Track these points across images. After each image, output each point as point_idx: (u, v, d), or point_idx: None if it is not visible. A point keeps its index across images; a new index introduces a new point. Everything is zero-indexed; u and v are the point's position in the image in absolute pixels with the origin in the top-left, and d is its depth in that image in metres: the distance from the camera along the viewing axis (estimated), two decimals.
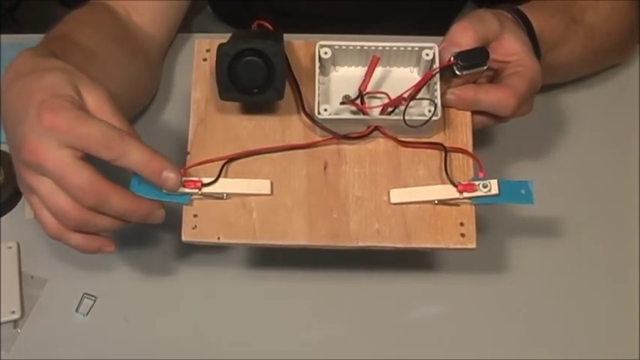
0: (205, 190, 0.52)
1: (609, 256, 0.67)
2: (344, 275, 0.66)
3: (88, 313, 0.64)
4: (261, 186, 0.53)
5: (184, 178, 0.51)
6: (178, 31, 0.76)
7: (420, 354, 0.62)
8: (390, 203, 0.52)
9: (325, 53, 0.53)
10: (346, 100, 0.53)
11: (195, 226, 0.52)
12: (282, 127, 0.55)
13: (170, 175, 0.50)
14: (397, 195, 0.53)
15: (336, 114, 0.53)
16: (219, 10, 0.92)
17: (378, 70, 0.54)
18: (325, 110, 0.52)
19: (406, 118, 0.51)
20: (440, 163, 0.53)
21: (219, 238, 0.52)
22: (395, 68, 0.55)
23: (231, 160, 0.53)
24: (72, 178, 0.48)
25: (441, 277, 0.66)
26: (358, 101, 0.52)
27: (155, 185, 0.50)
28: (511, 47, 0.54)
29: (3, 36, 0.80)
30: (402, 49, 0.53)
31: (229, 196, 0.53)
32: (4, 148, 0.74)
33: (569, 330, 0.64)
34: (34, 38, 0.79)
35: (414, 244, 0.52)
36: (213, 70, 0.52)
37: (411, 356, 0.62)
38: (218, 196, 0.52)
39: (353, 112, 0.53)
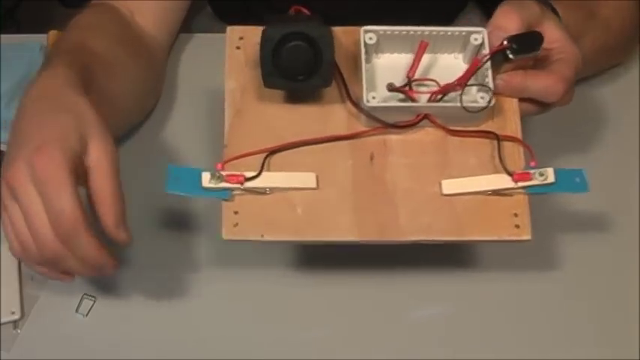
0: (248, 184, 0.50)
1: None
2: (343, 275, 0.66)
3: (87, 314, 0.64)
4: (307, 179, 0.51)
5: (225, 173, 0.49)
6: (179, 32, 0.76)
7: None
8: (442, 194, 0.50)
9: (370, 39, 0.52)
10: (395, 87, 0.51)
11: (237, 224, 0.50)
12: (323, 116, 0.53)
13: (108, 270, 0.53)
14: (449, 186, 0.51)
15: (384, 102, 0.51)
16: (219, 11, 0.92)
17: (423, 57, 0.52)
18: (373, 98, 0.50)
19: (463, 104, 0.50)
20: (490, 152, 0.52)
21: (262, 236, 0.50)
22: (439, 55, 0.54)
23: (271, 152, 0.51)
24: (35, 224, 0.49)
25: (448, 275, 0.66)
26: (406, 88, 0.51)
27: (193, 180, 0.50)
28: (552, 34, 0.53)
29: (3, 36, 0.80)
30: (449, 34, 0.52)
31: (272, 190, 0.50)
32: (4, 148, 0.73)
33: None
34: (34, 38, 0.80)
35: (466, 237, 0.50)
36: (249, 58, 0.52)
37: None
38: (260, 191, 0.50)
39: (401, 100, 0.51)
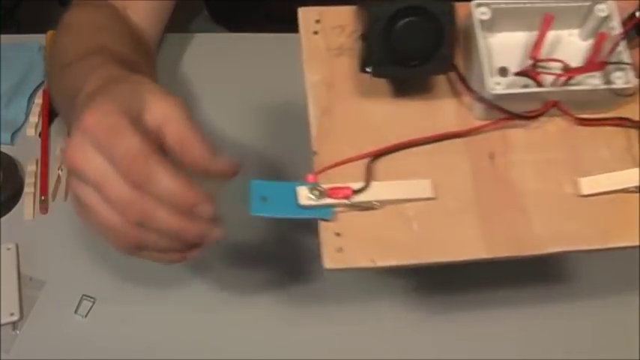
0: (355, 198, 0.41)
1: None
2: (343, 274, 0.65)
3: (87, 315, 0.64)
4: (422, 188, 0.42)
5: (326, 186, 0.41)
6: (180, 32, 0.76)
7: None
8: (578, 195, 0.43)
9: (483, 14, 0.43)
10: (525, 69, 0.43)
11: (341, 249, 0.40)
12: (430, 110, 0.45)
13: (205, 209, 0.41)
14: (589, 184, 0.43)
15: (510, 88, 0.43)
16: (216, 14, 0.92)
17: (530, 34, 0.45)
18: (498, 84, 0.42)
19: (606, 87, 0.43)
20: (624, 142, 0.44)
21: (374, 261, 0.40)
22: (552, 32, 0.45)
23: (375, 157, 0.43)
24: (110, 189, 0.41)
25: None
26: (533, 71, 0.44)
27: (286, 197, 0.41)
28: None
29: (3, 36, 0.79)
30: (570, 6, 0.44)
31: (382, 204, 0.42)
32: (4, 149, 0.73)
33: None
34: (34, 38, 0.79)
35: (613, 244, 0.42)
36: (331, 44, 0.45)
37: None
38: (367, 206, 0.42)
39: (524, 86, 0.44)
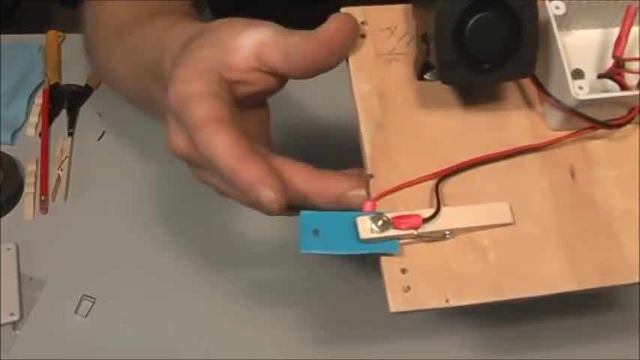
0: (426, 227, 0.35)
1: None
2: (342, 274, 0.65)
3: (87, 315, 0.64)
4: (500, 212, 0.37)
5: (391, 215, 0.35)
6: None
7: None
8: None
9: (557, 8, 0.38)
10: (610, 70, 0.38)
11: (409, 288, 0.35)
12: (498, 122, 0.39)
13: (267, 198, 0.34)
14: None
15: (595, 92, 0.37)
16: (218, 13, 0.92)
17: (606, 32, 0.39)
18: (581, 88, 0.37)
19: None
20: None
21: (448, 301, 0.35)
22: (634, 28, 0.39)
23: (441, 179, 0.37)
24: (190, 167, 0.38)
25: None
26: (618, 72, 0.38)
27: (343, 230, 0.35)
28: None
29: (3, 36, 0.79)
30: None
31: (453, 233, 0.36)
32: (4, 149, 0.73)
33: None
34: (34, 38, 0.79)
35: None
36: (379, 49, 0.39)
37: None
38: (437, 236, 0.36)
39: (604, 90, 0.39)
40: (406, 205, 0.37)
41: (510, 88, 0.40)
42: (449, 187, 0.38)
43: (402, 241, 0.35)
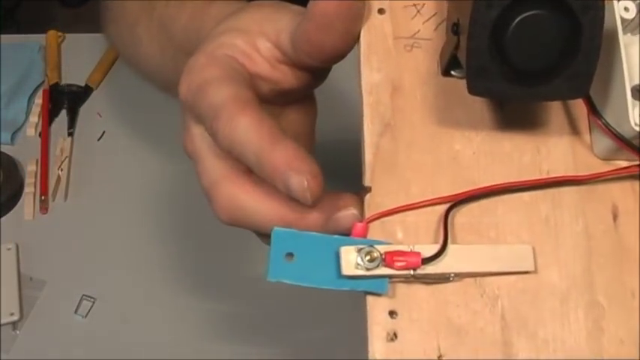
0: (426, 269, 0.29)
1: None
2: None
3: (86, 315, 0.64)
4: (520, 257, 0.30)
5: (383, 249, 0.28)
6: None
7: None
8: None
9: (626, 10, 0.30)
10: None
11: (394, 335, 0.29)
12: (534, 144, 0.32)
13: (298, 185, 0.28)
14: None
15: None
16: None
17: None
18: None
19: None
20: None
21: (440, 357, 0.29)
22: None
23: (455, 205, 0.30)
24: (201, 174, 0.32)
25: None
26: None
27: (322, 260, 0.28)
28: None
29: (3, 36, 0.79)
30: None
31: (459, 276, 0.30)
32: (4, 149, 0.73)
33: None
34: (34, 38, 0.79)
35: None
36: (399, 30, 0.32)
37: None
38: (439, 278, 0.30)
39: None
40: (406, 233, 0.30)
41: (554, 104, 0.33)
42: (463, 216, 0.30)
43: (395, 280, 0.29)
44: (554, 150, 0.32)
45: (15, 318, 0.63)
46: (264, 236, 0.31)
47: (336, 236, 0.29)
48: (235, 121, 0.28)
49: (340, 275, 0.28)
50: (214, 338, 0.64)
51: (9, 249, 0.67)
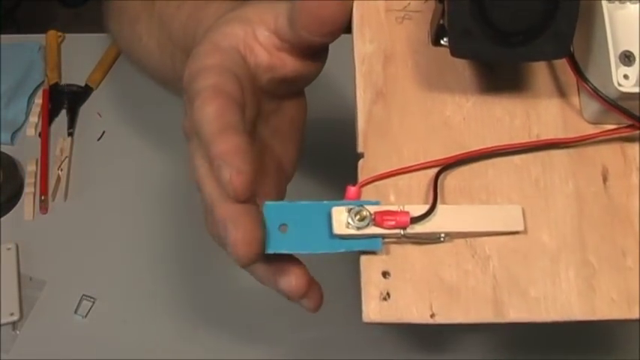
0: (415, 228, 0.29)
1: None
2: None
3: (86, 315, 0.64)
4: (509, 217, 0.30)
5: (373, 209, 0.29)
6: None
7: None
8: None
9: None
10: None
11: (388, 294, 0.29)
12: (523, 108, 0.32)
13: (223, 176, 0.28)
14: None
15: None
16: None
17: None
18: (626, 78, 0.30)
19: None
20: None
21: (433, 316, 0.29)
22: None
23: (445, 168, 0.31)
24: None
25: None
26: None
27: (316, 224, 0.29)
28: None
29: (3, 36, 0.79)
30: None
31: (449, 236, 0.30)
32: (4, 149, 0.73)
33: None
34: (34, 38, 0.79)
35: None
36: (392, 3, 0.33)
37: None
38: (430, 238, 0.30)
39: None
40: (399, 196, 0.30)
41: (543, 68, 0.33)
42: (454, 179, 0.31)
43: (387, 240, 0.30)
44: (544, 115, 0.32)
45: (15, 318, 0.63)
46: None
47: (326, 201, 0.29)
48: (203, 106, 0.29)
49: (333, 237, 0.29)
50: (215, 338, 0.64)
51: (9, 249, 0.67)
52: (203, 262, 0.68)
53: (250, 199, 0.28)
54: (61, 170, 0.72)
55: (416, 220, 0.29)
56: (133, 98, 0.76)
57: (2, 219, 0.69)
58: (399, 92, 0.32)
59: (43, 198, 0.70)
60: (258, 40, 0.33)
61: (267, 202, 0.29)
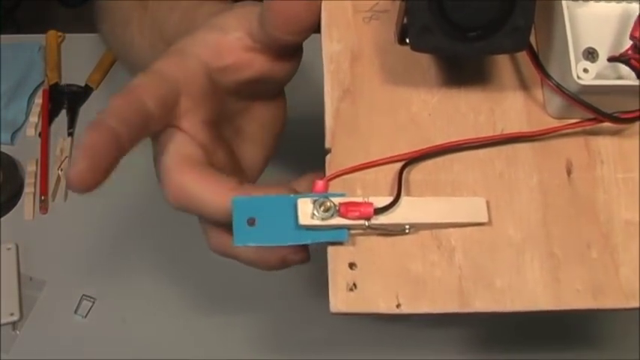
0: (380, 219, 0.30)
1: None
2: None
3: (86, 315, 0.64)
4: (473, 209, 0.31)
5: (338, 200, 0.30)
6: None
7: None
8: None
9: None
10: (623, 54, 0.31)
11: (354, 285, 0.30)
12: (488, 104, 0.33)
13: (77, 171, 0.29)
14: None
15: (603, 78, 0.31)
16: None
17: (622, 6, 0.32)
18: (586, 72, 0.30)
19: None
20: None
21: (399, 306, 0.30)
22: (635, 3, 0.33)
23: (410, 162, 0.31)
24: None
25: None
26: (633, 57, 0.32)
27: (282, 217, 0.30)
28: None
29: (3, 36, 0.79)
30: None
31: (416, 228, 0.31)
32: (4, 149, 0.73)
33: None
34: (34, 38, 0.79)
35: None
36: (359, 4, 0.34)
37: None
38: (395, 230, 0.31)
39: (618, 77, 0.32)
40: (365, 189, 0.31)
41: (508, 65, 0.34)
42: (419, 173, 0.32)
43: (354, 232, 0.30)
44: (508, 110, 0.33)
45: (15, 318, 0.63)
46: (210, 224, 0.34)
47: (293, 195, 0.30)
48: (114, 98, 0.32)
49: (300, 228, 0.29)
50: (215, 338, 0.64)
51: (9, 249, 0.67)
52: (203, 262, 0.68)
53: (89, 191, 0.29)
54: (61, 170, 0.72)
55: (380, 211, 0.30)
56: None
57: (2, 219, 0.69)
58: (367, 90, 0.33)
59: (43, 198, 0.70)
60: (228, 44, 0.34)
61: (235, 198, 0.30)
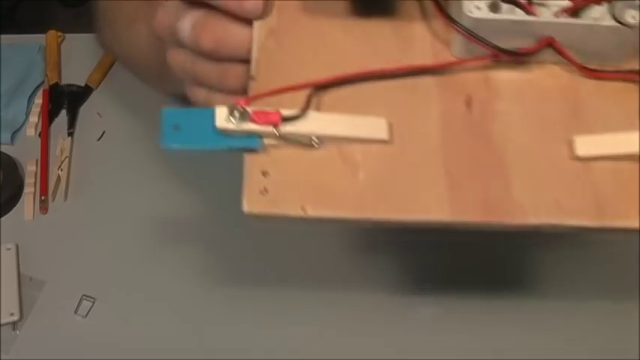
0: (287, 127, 0.33)
1: None
2: (341, 274, 0.65)
3: (86, 315, 0.64)
4: (373, 126, 0.34)
5: (250, 108, 0.33)
6: None
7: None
8: (574, 158, 0.35)
9: None
10: None
11: (265, 189, 0.33)
12: (398, 41, 0.37)
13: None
14: (586, 145, 0.35)
15: (494, 14, 0.35)
16: None
17: None
18: (478, 8, 0.34)
19: (612, 23, 0.35)
20: (637, 102, 0.37)
21: (304, 209, 0.33)
22: None
23: (321, 87, 0.35)
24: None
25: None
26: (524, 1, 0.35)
27: (203, 124, 0.34)
28: None
29: (3, 36, 0.80)
30: None
31: (322, 141, 0.34)
32: (4, 149, 0.73)
33: None
34: (34, 38, 0.79)
35: (609, 223, 0.34)
36: None
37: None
38: (305, 141, 0.34)
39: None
40: (284, 109, 0.34)
41: (414, 4, 0.39)
42: (331, 98, 0.36)
43: (268, 143, 0.34)
44: (415, 46, 0.38)
45: (15, 318, 0.63)
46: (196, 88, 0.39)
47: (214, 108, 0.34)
48: None
49: (218, 134, 0.33)
50: (215, 339, 0.64)
51: (9, 249, 0.67)
52: (203, 262, 0.68)
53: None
54: (61, 170, 0.72)
55: (287, 119, 0.33)
56: (133, 98, 0.76)
57: (2, 219, 0.69)
58: (289, 29, 0.37)
59: (43, 198, 0.70)
60: None
61: (164, 109, 0.34)
